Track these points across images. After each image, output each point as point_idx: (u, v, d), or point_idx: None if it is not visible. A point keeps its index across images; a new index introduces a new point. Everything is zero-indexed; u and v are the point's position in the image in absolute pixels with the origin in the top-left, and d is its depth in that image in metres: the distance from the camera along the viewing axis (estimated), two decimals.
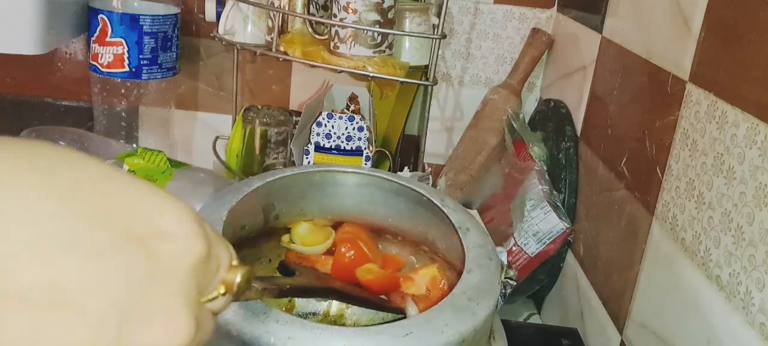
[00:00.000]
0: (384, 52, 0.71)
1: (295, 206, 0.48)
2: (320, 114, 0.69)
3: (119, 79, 0.81)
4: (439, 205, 0.45)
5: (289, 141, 0.83)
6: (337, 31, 0.71)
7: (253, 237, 0.48)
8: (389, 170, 0.88)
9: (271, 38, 0.74)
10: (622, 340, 0.57)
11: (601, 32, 0.70)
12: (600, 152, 0.66)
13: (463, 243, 0.41)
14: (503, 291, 0.41)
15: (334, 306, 0.50)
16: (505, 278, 0.40)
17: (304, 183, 0.48)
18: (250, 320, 0.33)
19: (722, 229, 0.44)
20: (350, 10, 0.69)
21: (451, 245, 0.44)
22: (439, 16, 0.73)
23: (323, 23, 0.73)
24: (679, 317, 0.48)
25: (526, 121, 0.83)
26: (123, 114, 0.85)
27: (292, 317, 0.34)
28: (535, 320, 0.76)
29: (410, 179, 0.47)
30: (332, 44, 0.72)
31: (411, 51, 0.76)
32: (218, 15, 0.82)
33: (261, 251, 0.49)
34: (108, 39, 0.79)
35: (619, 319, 0.57)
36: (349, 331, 0.33)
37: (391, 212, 0.48)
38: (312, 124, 0.70)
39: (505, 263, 0.41)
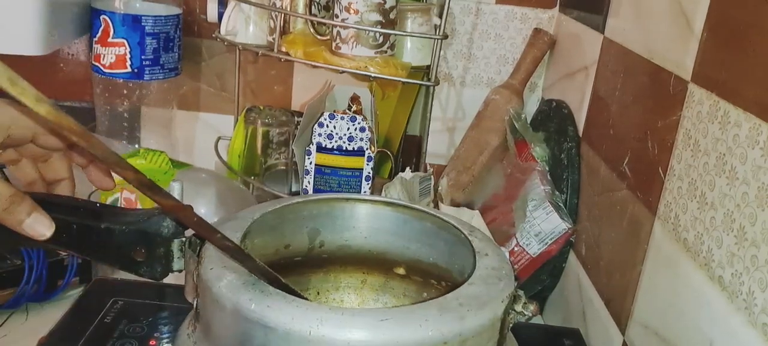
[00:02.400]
0: (386, 52, 0.71)
1: (340, 235, 0.48)
2: (322, 115, 0.69)
3: (121, 80, 0.81)
4: (466, 235, 0.43)
5: (290, 142, 0.83)
6: (338, 32, 0.71)
7: (299, 263, 0.47)
8: (391, 171, 0.88)
9: (273, 39, 0.74)
10: (624, 340, 0.57)
11: (603, 32, 0.70)
12: (602, 152, 0.66)
13: (476, 265, 0.39)
14: (512, 321, 0.39)
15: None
16: (520, 310, 0.38)
17: (348, 213, 0.47)
18: (238, 289, 0.34)
19: (724, 229, 0.43)
20: (352, 11, 0.69)
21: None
22: (440, 16, 0.73)
23: (325, 24, 0.73)
24: (682, 317, 0.48)
25: (528, 122, 0.83)
26: (125, 115, 0.85)
27: (274, 290, 0.34)
28: (537, 320, 0.76)
29: (451, 216, 0.46)
30: (334, 45, 0.72)
31: (413, 51, 0.76)
32: (220, 15, 0.83)
33: (309, 281, 0.49)
34: (110, 40, 0.79)
35: (621, 319, 0.57)
36: (326, 308, 0.33)
37: (431, 251, 0.47)
38: (314, 125, 0.70)
39: (523, 296, 0.39)
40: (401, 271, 0.49)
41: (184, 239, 0.40)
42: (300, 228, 0.47)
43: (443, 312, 0.34)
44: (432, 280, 0.47)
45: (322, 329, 0.32)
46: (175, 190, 0.40)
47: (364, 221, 0.48)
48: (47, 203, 0.39)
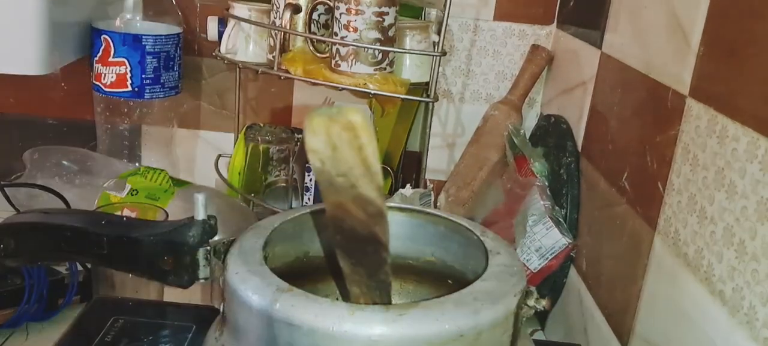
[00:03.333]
0: (385, 69, 0.72)
1: None
2: None
3: (122, 99, 0.81)
4: (478, 235, 0.44)
5: (291, 159, 0.84)
6: (338, 49, 0.71)
7: (319, 270, 0.48)
8: (391, 187, 0.88)
9: (273, 57, 0.74)
10: None
11: (600, 48, 0.70)
12: (601, 167, 0.66)
13: (488, 263, 0.40)
14: (526, 317, 0.40)
15: None
16: (532, 305, 0.39)
17: None
18: (263, 291, 0.35)
19: (725, 243, 0.44)
20: (351, 29, 0.69)
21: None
22: (439, 33, 0.73)
23: (324, 42, 0.74)
24: (683, 332, 0.48)
25: (527, 137, 0.84)
26: (126, 133, 0.85)
27: (298, 290, 0.35)
28: (539, 336, 0.76)
29: (464, 219, 0.47)
30: (333, 62, 0.72)
31: (412, 68, 0.76)
32: (220, 34, 0.83)
33: (329, 287, 0.49)
34: (111, 59, 0.79)
35: (622, 335, 0.57)
36: (347, 306, 0.34)
37: (445, 254, 0.48)
38: None
39: (535, 292, 0.41)
40: (432, 259, 0.49)
41: (209, 247, 0.42)
42: (318, 236, 0.47)
43: (459, 307, 0.35)
44: (449, 281, 0.48)
45: (344, 325, 0.33)
46: (199, 202, 0.42)
47: None
48: (78, 218, 0.40)
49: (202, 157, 0.94)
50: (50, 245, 0.46)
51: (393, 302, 0.43)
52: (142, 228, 0.42)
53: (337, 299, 0.50)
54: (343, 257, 0.37)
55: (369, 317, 0.33)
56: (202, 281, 0.42)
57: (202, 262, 0.42)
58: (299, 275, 0.42)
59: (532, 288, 0.40)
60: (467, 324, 0.34)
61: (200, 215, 0.42)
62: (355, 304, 0.36)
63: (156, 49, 0.80)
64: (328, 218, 0.33)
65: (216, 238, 0.43)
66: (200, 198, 0.42)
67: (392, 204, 0.49)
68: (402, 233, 0.48)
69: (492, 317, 0.35)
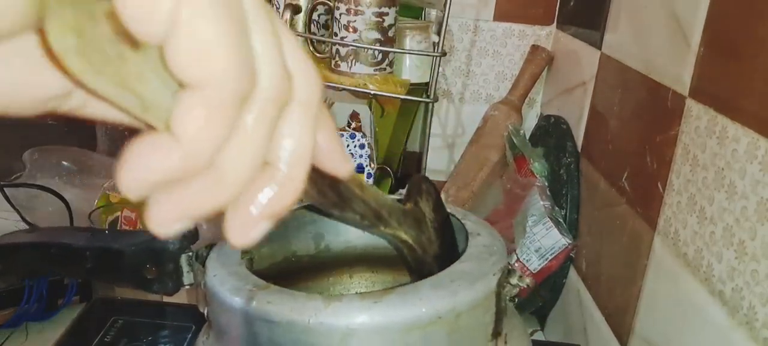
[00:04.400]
0: (385, 69, 0.72)
1: (343, 237, 0.49)
2: None
3: None
4: (459, 219, 0.44)
5: None
6: (337, 50, 0.71)
7: (308, 268, 0.48)
8: (391, 187, 0.88)
9: None
10: None
11: (600, 48, 0.70)
12: (601, 168, 0.66)
13: (467, 245, 0.40)
14: (511, 296, 0.40)
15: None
16: (516, 283, 0.39)
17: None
18: (240, 290, 0.35)
19: (724, 244, 0.44)
20: (351, 29, 0.69)
21: None
22: (439, 33, 0.73)
23: (324, 42, 0.74)
24: (683, 332, 0.48)
25: (527, 137, 0.84)
26: (126, 134, 0.85)
27: (275, 287, 0.35)
28: (539, 336, 0.76)
29: (446, 203, 0.46)
30: (333, 62, 0.72)
31: (412, 68, 0.76)
32: None
33: (318, 286, 0.50)
34: None
35: (622, 335, 0.57)
36: (322, 297, 0.34)
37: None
38: None
39: (517, 271, 0.40)
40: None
41: (191, 252, 0.41)
42: (304, 234, 0.47)
43: (436, 289, 0.35)
44: None
45: (320, 317, 0.33)
46: None
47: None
48: (60, 234, 0.40)
49: None
50: (36, 263, 0.46)
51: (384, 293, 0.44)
52: (123, 238, 0.43)
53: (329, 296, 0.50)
54: None
55: (345, 307, 0.33)
56: (187, 286, 0.42)
57: (185, 268, 0.42)
58: (288, 274, 0.42)
59: (515, 266, 0.40)
60: (445, 306, 0.34)
61: None
62: (331, 296, 0.36)
63: None
64: None
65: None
66: None
67: None
68: None
69: (471, 298, 0.35)
